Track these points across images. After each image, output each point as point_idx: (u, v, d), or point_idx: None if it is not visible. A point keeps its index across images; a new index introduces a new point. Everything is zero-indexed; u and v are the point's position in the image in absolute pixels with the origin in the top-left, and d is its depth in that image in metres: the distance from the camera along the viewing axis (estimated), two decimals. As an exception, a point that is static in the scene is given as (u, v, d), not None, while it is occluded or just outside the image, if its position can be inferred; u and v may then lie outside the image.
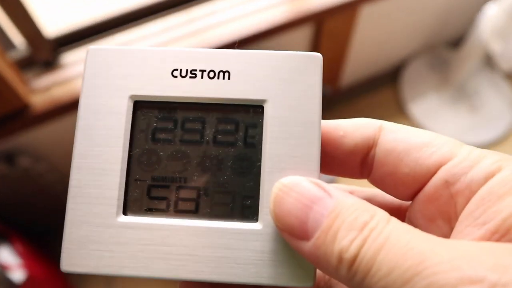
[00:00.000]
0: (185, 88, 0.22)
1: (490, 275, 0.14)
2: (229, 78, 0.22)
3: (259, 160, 0.21)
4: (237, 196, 0.21)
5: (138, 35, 0.88)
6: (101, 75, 0.22)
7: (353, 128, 0.22)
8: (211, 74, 0.22)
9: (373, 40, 1.19)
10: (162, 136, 0.22)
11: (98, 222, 0.21)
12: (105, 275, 0.20)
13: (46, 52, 0.83)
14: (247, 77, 0.22)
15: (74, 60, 0.85)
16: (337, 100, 1.32)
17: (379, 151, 0.21)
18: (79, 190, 0.21)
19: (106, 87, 0.22)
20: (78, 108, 0.22)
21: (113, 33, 0.88)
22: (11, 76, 0.75)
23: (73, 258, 0.20)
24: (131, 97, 0.22)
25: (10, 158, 0.86)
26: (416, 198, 0.21)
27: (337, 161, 0.22)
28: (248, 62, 0.22)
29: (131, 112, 0.22)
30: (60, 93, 0.81)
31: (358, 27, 1.10)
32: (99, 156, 0.21)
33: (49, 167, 0.95)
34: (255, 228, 0.20)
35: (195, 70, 0.22)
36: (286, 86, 0.21)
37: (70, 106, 0.82)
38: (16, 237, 0.91)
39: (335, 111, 1.30)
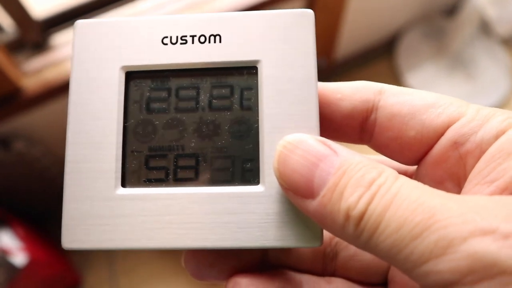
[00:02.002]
0: (176, 55, 0.21)
1: (503, 225, 0.14)
2: (220, 42, 0.21)
3: (257, 121, 0.21)
4: (237, 160, 0.21)
5: (128, 13, 0.86)
6: (91, 49, 0.22)
7: (351, 91, 0.21)
8: (202, 39, 0.21)
9: (366, 10, 1.17)
10: (156, 105, 0.21)
11: (97, 196, 0.20)
12: (107, 249, 0.20)
13: (35, 34, 0.81)
14: (239, 39, 0.21)
15: (64, 41, 0.84)
16: (332, 72, 1.31)
17: (382, 114, 0.21)
18: (76, 165, 0.21)
19: (96, 60, 0.21)
20: (70, 83, 0.22)
21: (102, 12, 0.86)
22: (1, 60, 0.74)
23: (74, 235, 0.20)
24: (123, 68, 0.21)
25: (4, 142, 0.86)
26: (423, 161, 0.21)
27: (334, 125, 0.22)
28: (238, 24, 0.21)
29: (123, 83, 0.21)
30: (51, 75, 0.80)
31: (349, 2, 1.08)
32: (93, 129, 0.21)
33: (44, 151, 0.94)
34: (257, 190, 0.20)
35: (185, 36, 0.21)
36: (279, 45, 0.21)
37: (62, 88, 0.81)
38: (16, 221, 0.91)
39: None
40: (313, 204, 0.17)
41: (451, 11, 1.36)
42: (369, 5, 1.16)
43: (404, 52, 1.33)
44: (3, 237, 0.85)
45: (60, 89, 0.81)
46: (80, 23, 0.22)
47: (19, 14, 0.77)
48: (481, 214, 0.14)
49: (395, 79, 1.32)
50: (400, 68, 1.32)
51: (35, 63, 0.81)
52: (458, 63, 1.29)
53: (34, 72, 0.81)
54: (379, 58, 1.36)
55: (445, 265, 0.14)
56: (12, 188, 0.96)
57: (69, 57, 0.82)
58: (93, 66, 0.21)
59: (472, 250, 0.14)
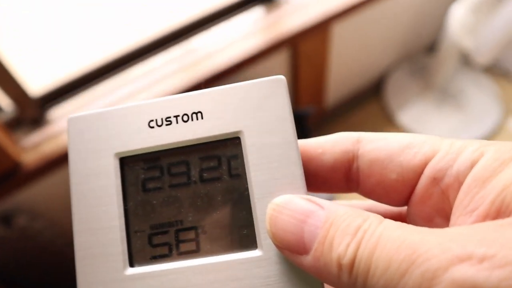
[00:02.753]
0: (163, 136, 0.23)
1: (477, 250, 0.14)
2: (202, 118, 0.22)
3: (247, 189, 0.22)
4: (234, 228, 0.22)
5: (121, 81, 0.90)
6: (85, 140, 0.23)
7: (331, 144, 0.22)
8: (185, 118, 0.23)
9: (350, 56, 1.22)
10: (151, 185, 0.23)
11: (108, 278, 0.21)
12: None
13: (33, 110, 0.84)
14: (219, 113, 0.22)
15: (60, 114, 0.87)
16: (324, 119, 1.34)
17: (362, 162, 0.21)
18: (84, 252, 0.22)
19: (91, 150, 0.23)
20: (69, 175, 0.23)
21: (97, 83, 0.90)
22: (0, 137, 0.76)
23: None
24: (116, 154, 0.23)
25: (6, 219, 0.86)
26: (410, 201, 0.21)
27: (320, 179, 0.23)
28: (216, 99, 0.23)
29: (119, 169, 0.23)
30: (50, 149, 0.82)
31: (333, 46, 1.13)
32: (97, 216, 0.22)
33: (47, 223, 0.94)
34: (256, 255, 0.21)
35: (169, 117, 0.23)
36: (257, 114, 0.22)
37: (61, 160, 0.83)
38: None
39: (324, 131, 1.31)
40: (307, 259, 0.18)
41: (432, 48, 1.41)
42: (352, 51, 1.21)
43: (392, 91, 1.36)
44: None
45: (59, 161, 0.83)
46: (72, 118, 0.24)
47: (17, 92, 0.80)
48: (457, 242, 0.15)
49: (387, 118, 1.34)
50: (390, 107, 1.34)
51: (34, 138, 0.84)
52: (446, 96, 1.32)
53: (33, 147, 0.83)
54: (369, 100, 1.39)
55: None
56: (16, 264, 0.95)
57: (65, 130, 0.84)
58: (89, 156, 0.23)
59: (453, 278, 0.14)
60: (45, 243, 0.94)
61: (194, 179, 0.22)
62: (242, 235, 0.21)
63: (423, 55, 1.42)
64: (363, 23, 1.14)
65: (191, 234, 0.22)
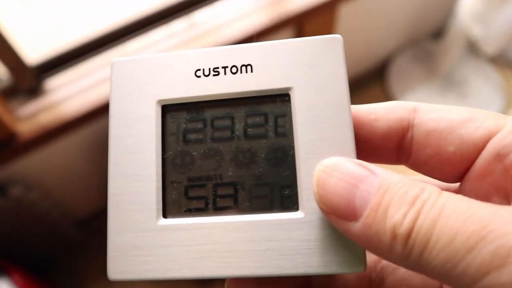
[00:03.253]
0: (209, 87, 0.22)
1: None
2: (252, 71, 0.22)
3: (293, 148, 0.21)
4: (275, 187, 0.21)
5: (120, 54, 0.88)
6: (127, 85, 0.23)
7: (385, 111, 0.21)
8: (234, 70, 0.22)
9: (355, 39, 1.20)
10: (193, 136, 0.22)
11: (139, 227, 0.21)
12: (151, 279, 0.20)
13: (29, 80, 0.82)
14: (270, 68, 0.22)
15: (58, 84, 0.85)
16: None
17: (419, 132, 0.20)
18: (118, 198, 0.21)
19: (133, 96, 0.22)
20: (109, 119, 0.22)
21: (95, 54, 0.88)
22: (-5, 106, 0.74)
23: (119, 266, 0.21)
24: (159, 102, 0.22)
25: (1, 189, 0.85)
26: (466, 177, 0.20)
27: (371, 147, 0.21)
28: (268, 53, 0.22)
29: (160, 117, 0.22)
30: (46, 119, 0.81)
31: (338, 27, 1.10)
32: (133, 162, 0.22)
33: (42, 194, 0.94)
34: (297, 217, 0.20)
35: (217, 68, 0.22)
36: (310, 71, 0.21)
37: (58, 131, 0.81)
38: (14, 269, 0.89)
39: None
40: (357, 226, 0.17)
41: (438, 34, 1.38)
42: (357, 33, 1.18)
43: (396, 76, 1.34)
44: (1, 286, 0.83)
45: (55, 132, 0.81)
46: (116, 61, 0.23)
47: (13, 61, 0.78)
48: None
49: (389, 103, 1.33)
50: (393, 92, 1.33)
51: (30, 108, 0.82)
52: (450, 84, 1.31)
53: (29, 117, 0.81)
54: (372, 84, 1.37)
55: (509, 276, 0.13)
56: (10, 235, 0.95)
57: (63, 100, 0.83)
58: (131, 101, 0.22)
59: None
60: (40, 214, 0.94)
61: (238, 133, 0.22)
62: (284, 195, 0.21)
63: (428, 40, 1.40)
64: (370, 5, 1.12)
65: (230, 190, 0.21)
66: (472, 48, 1.25)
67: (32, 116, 0.81)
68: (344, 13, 1.07)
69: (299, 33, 1.03)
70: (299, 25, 1.01)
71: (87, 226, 1.15)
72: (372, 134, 0.21)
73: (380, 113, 0.21)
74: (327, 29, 1.06)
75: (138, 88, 0.22)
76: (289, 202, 0.21)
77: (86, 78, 0.85)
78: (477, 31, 1.02)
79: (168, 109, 0.22)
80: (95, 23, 0.89)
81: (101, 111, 0.83)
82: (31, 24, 1.00)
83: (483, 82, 1.29)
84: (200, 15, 0.93)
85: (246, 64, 0.22)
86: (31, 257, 1.04)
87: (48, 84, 0.85)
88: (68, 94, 0.83)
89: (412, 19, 1.29)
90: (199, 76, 0.22)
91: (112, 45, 0.89)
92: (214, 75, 0.22)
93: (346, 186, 0.17)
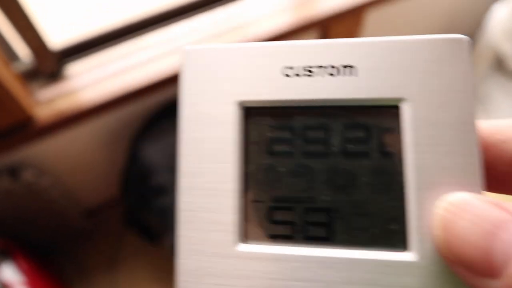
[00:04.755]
0: (301, 89, 0.18)
1: None
2: (354, 74, 0.18)
3: (402, 173, 0.17)
4: (378, 219, 0.17)
5: (143, 45, 0.87)
6: (202, 79, 0.19)
7: None
8: (332, 71, 0.18)
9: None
10: (280, 148, 0.19)
11: (214, 251, 0.18)
12: None
13: (51, 64, 0.82)
14: (377, 72, 0.18)
15: (78, 71, 0.84)
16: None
17: None
18: (190, 214, 0.18)
19: (209, 93, 0.19)
20: (180, 119, 0.19)
21: (118, 43, 0.87)
22: (15, 88, 0.74)
23: None
24: (240, 103, 0.19)
25: (13, 172, 0.85)
26: None
27: (495, 174, 0.18)
28: (375, 53, 0.18)
29: (241, 121, 0.19)
30: (64, 105, 0.80)
31: (364, 34, 1.09)
32: (208, 174, 0.18)
33: (53, 182, 0.93)
34: (408, 259, 0.17)
35: (312, 67, 0.18)
36: (426, 80, 0.18)
37: (75, 118, 0.81)
38: (19, 254, 0.89)
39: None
40: (495, 285, 0.14)
41: (464, 48, 1.36)
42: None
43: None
44: (6, 270, 0.82)
45: (72, 119, 0.80)
46: (189, 50, 0.19)
47: (36, 43, 0.78)
48: None
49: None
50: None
51: (49, 92, 0.81)
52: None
53: (47, 101, 0.80)
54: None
55: None
56: (18, 219, 0.94)
57: (82, 87, 0.82)
58: (206, 100, 0.19)
59: None
60: (49, 200, 0.93)
61: (334, 149, 0.18)
62: (389, 230, 0.17)
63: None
64: (397, 13, 1.10)
65: (323, 217, 0.18)
66: (499, 65, 1.22)
67: (51, 100, 0.81)
68: (371, 19, 1.06)
69: (324, 37, 1.01)
70: (324, 28, 0.99)
71: (94, 216, 1.14)
72: (498, 159, 0.18)
73: (509, 132, 0.18)
74: (353, 35, 1.05)
75: (215, 83, 0.19)
76: (395, 239, 0.17)
77: (107, 66, 0.84)
78: (506, 48, 0.99)
79: (251, 113, 0.19)
80: (120, 13, 0.89)
81: (118, 102, 0.82)
82: (58, 8, 0.99)
83: (508, 100, 1.26)
84: (223, 12, 0.91)
85: (347, 65, 0.18)
86: (37, 243, 1.03)
87: (68, 70, 0.84)
88: (88, 81, 0.83)
89: (439, 31, 1.26)
90: (288, 76, 0.18)
91: (135, 35, 0.88)
92: (307, 75, 0.18)
93: (480, 233, 0.14)
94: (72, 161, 0.95)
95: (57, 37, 0.82)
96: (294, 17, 0.90)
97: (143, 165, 0.82)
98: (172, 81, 0.83)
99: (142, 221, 0.94)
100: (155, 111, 0.91)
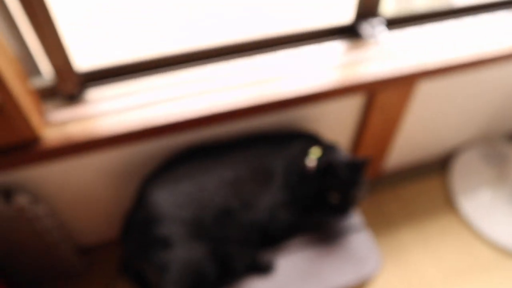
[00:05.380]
0: None
1: None
2: None
3: None
4: None
5: (172, 81, 0.81)
6: None
7: None
8: None
9: (426, 121, 1.09)
10: None
11: None
12: None
13: (71, 85, 0.76)
14: None
15: (99, 97, 0.78)
16: (379, 181, 1.19)
17: None
18: None
19: None
20: None
21: (144, 75, 0.81)
22: (27, 104, 0.67)
23: None
24: None
25: (7, 193, 0.77)
26: None
27: None
28: None
29: None
30: (76, 130, 0.73)
31: (412, 105, 1.00)
32: None
33: (48, 211, 0.85)
34: None
35: None
36: None
37: (85, 146, 0.73)
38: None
39: (376, 195, 1.16)
40: None
41: (516, 138, 1.25)
42: (429, 116, 1.07)
43: (460, 172, 1.20)
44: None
45: (82, 147, 0.73)
46: None
47: (60, 62, 0.72)
48: None
49: (447, 200, 1.18)
50: (453, 189, 1.18)
51: (63, 114, 0.75)
52: (523, 195, 1.15)
53: (59, 123, 0.74)
54: (432, 175, 1.24)
55: None
56: (5, 246, 0.85)
57: (99, 115, 0.75)
58: None
59: None
60: (41, 231, 0.84)
61: None
62: None
63: (503, 141, 1.26)
64: (450, 89, 1.01)
65: None
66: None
67: (63, 123, 0.74)
68: (422, 90, 0.97)
69: (369, 102, 0.93)
70: (370, 93, 0.91)
71: (88, 255, 1.04)
72: None
73: None
74: (400, 104, 0.96)
75: None
76: None
77: (129, 98, 0.78)
78: None
79: None
80: (150, 46, 0.84)
81: (135, 137, 0.75)
82: (90, 33, 0.96)
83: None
84: (267, 59, 0.85)
85: None
86: (21, 276, 0.93)
87: (89, 95, 0.78)
88: (107, 109, 0.76)
89: (490, 114, 1.16)
90: None
91: (162, 71, 0.82)
92: None
93: None
94: (73, 192, 0.87)
95: (84, 60, 0.77)
96: (339, 77, 0.82)
97: (150, 210, 0.73)
98: (196, 124, 0.76)
99: (139, 272, 0.83)
100: (172, 154, 0.83)
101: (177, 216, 0.72)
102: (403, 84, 0.91)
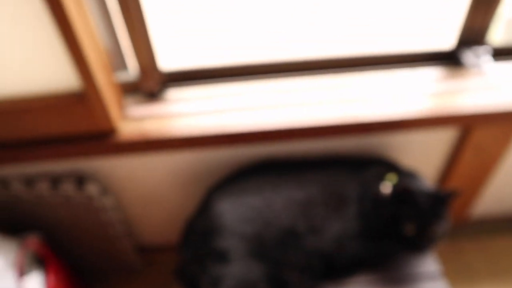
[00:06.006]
0: None
1: None
2: None
3: None
4: None
5: (253, 89, 0.79)
6: None
7: None
8: None
9: (527, 168, 0.96)
10: None
11: None
12: None
13: (154, 83, 0.77)
14: None
15: (178, 98, 0.78)
16: (462, 229, 1.07)
17: None
18: None
19: None
20: None
21: (222, 81, 0.80)
22: (109, 95, 0.69)
23: None
24: None
25: (80, 180, 0.79)
26: None
27: None
28: None
29: None
30: (152, 127, 0.73)
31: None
32: None
33: (115, 203, 0.86)
34: None
35: None
36: None
37: (159, 145, 0.73)
38: (54, 268, 0.81)
39: (458, 243, 1.04)
40: None
41: None
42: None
43: None
44: (32, 280, 0.74)
45: (156, 145, 0.73)
46: None
47: (146, 60, 0.74)
48: None
49: (544, 263, 1.02)
50: (554, 251, 1.02)
51: (141, 110, 0.76)
52: None
53: (136, 119, 0.75)
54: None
55: None
56: (68, 231, 0.88)
57: (176, 115, 0.75)
58: None
59: None
60: (105, 222, 0.86)
61: None
62: None
63: None
64: None
65: None
66: None
67: (140, 119, 0.75)
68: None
69: (463, 137, 0.84)
70: (466, 127, 0.82)
71: (147, 254, 1.04)
72: None
73: None
74: (500, 144, 0.85)
75: None
76: None
77: (209, 102, 0.77)
78: None
79: None
80: (237, 52, 0.83)
81: (209, 142, 0.73)
82: (178, 33, 0.98)
83: None
84: (357, 78, 0.80)
85: None
86: (77, 263, 0.96)
87: (170, 94, 0.79)
88: (185, 111, 0.76)
89: None
90: None
91: (244, 79, 0.80)
92: None
93: None
94: (140, 189, 0.87)
95: (169, 60, 0.78)
96: (432, 106, 0.75)
97: (213, 220, 0.70)
98: (271, 137, 0.73)
99: (194, 280, 0.81)
100: (243, 165, 0.80)
101: (239, 231, 0.68)
102: (506, 122, 0.80)
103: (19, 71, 0.64)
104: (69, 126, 0.71)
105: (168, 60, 0.78)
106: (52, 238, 0.88)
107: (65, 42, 0.59)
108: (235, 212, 0.70)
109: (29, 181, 0.79)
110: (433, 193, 0.68)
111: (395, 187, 0.70)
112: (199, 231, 0.72)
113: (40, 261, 0.80)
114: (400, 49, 0.81)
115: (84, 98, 0.67)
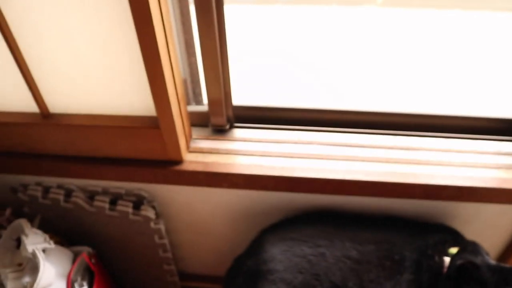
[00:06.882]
0: None
1: None
2: None
3: None
4: None
5: (312, 138, 0.79)
6: None
7: None
8: None
9: None
10: None
11: None
12: None
13: (223, 120, 0.79)
14: None
15: (245, 137, 0.80)
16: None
17: None
18: None
19: None
20: None
21: (290, 126, 0.81)
22: (180, 125, 0.71)
23: None
24: None
25: (139, 200, 0.82)
26: None
27: None
28: None
29: None
30: (215, 161, 0.75)
31: None
32: None
33: (166, 228, 0.88)
34: None
35: None
36: None
37: (219, 178, 0.74)
38: (101, 281, 0.83)
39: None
40: None
41: None
42: None
43: None
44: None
45: (216, 178, 0.74)
46: None
47: (219, 97, 0.75)
48: None
49: None
50: None
51: (207, 143, 0.78)
52: None
53: (202, 151, 0.77)
54: None
55: None
56: (118, 247, 0.90)
57: (242, 153, 0.76)
58: None
59: None
60: (154, 244, 0.87)
61: None
62: None
63: None
64: None
65: None
66: None
67: (205, 152, 0.77)
68: None
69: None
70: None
71: (187, 281, 1.05)
72: None
73: None
74: None
75: None
76: None
77: (277, 145, 0.78)
78: None
79: None
80: (309, 99, 0.84)
81: (270, 184, 0.73)
82: (254, 75, 1.01)
83: None
84: (422, 141, 0.78)
85: None
86: (121, 280, 0.98)
87: (238, 132, 0.81)
88: (249, 150, 0.77)
89: None
90: None
91: (311, 126, 0.81)
92: None
93: None
94: (194, 218, 0.89)
95: (241, 99, 0.80)
96: (502, 178, 0.71)
97: (263, 262, 0.69)
98: (331, 187, 0.72)
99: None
100: (299, 212, 0.80)
101: (287, 278, 0.67)
102: None
103: (103, 92, 0.68)
104: (139, 150, 0.74)
105: (241, 98, 0.80)
106: (101, 252, 0.91)
107: (149, 75, 0.62)
108: (287, 259, 0.69)
109: (91, 195, 0.83)
110: (502, 269, 0.63)
111: (454, 259, 0.66)
112: (247, 272, 0.71)
113: (89, 273, 0.82)
114: (478, 115, 0.79)
115: (158, 127, 0.69)
